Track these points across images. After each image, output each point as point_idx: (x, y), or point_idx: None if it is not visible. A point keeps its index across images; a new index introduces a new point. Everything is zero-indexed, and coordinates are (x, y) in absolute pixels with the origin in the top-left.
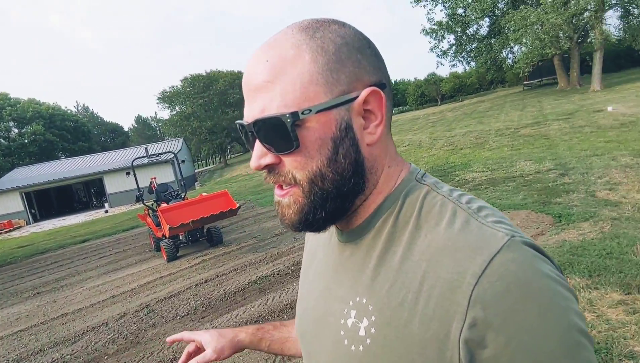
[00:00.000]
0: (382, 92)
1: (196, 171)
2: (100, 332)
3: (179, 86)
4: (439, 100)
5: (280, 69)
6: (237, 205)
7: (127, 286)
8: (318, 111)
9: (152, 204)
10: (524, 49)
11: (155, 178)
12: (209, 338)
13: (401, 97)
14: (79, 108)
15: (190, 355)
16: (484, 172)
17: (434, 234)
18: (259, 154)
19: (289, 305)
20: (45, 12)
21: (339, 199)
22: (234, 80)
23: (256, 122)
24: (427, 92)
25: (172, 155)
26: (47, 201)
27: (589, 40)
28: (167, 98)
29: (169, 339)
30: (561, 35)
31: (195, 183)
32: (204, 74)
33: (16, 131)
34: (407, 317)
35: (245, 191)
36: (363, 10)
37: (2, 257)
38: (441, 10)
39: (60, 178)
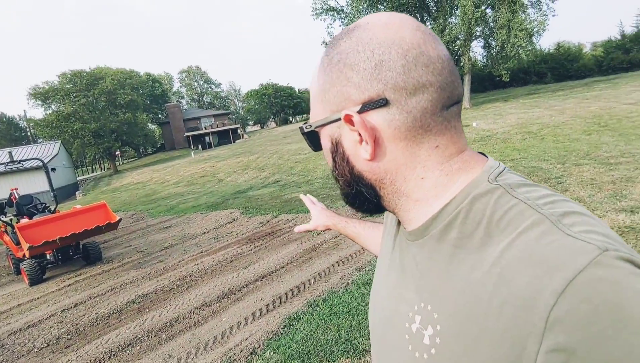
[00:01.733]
0: (353, 116)
1: (79, 178)
2: None
3: (56, 82)
4: None
5: (310, 86)
6: (117, 218)
7: None
8: (316, 127)
9: (12, 220)
10: None
11: (16, 189)
12: (316, 214)
13: (305, 105)
14: None
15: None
16: None
17: (508, 243)
18: None
19: (168, 323)
20: None
21: (355, 196)
22: (125, 79)
23: None
24: None
25: (39, 162)
26: None
27: (461, 64)
28: (41, 95)
29: (302, 196)
30: None
31: (77, 192)
32: (88, 70)
33: None
34: (475, 333)
35: (136, 200)
36: (271, 18)
37: None
38: (340, 25)
39: None
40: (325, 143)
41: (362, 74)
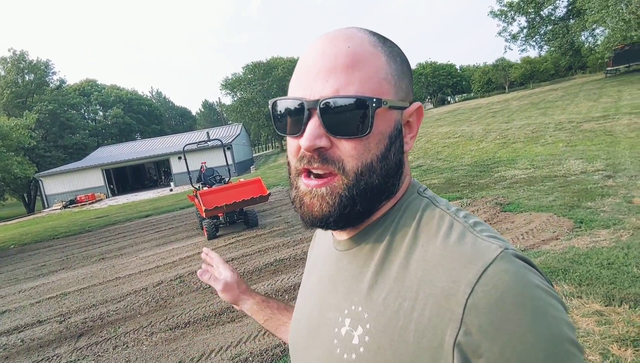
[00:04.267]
0: (422, 108)
1: (254, 155)
2: (139, 295)
3: (241, 73)
4: (506, 87)
5: (361, 58)
6: (268, 192)
7: (171, 258)
8: (390, 106)
9: (199, 187)
10: (606, 31)
11: (204, 163)
12: (229, 278)
13: (466, 84)
14: (153, 93)
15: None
16: (527, 169)
17: (431, 245)
18: (316, 134)
19: (292, 287)
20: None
21: (375, 197)
22: (294, 67)
23: (329, 101)
24: (494, 78)
25: (219, 142)
26: (123, 178)
27: None
28: (230, 85)
29: (205, 249)
30: None
31: (251, 167)
32: (264, 61)
33: (101, 113)
34: (402, 325)
35: None
36: None
37: (82, 225)
38: None
39: (134, 157)
40: (385, 126)
41: (412, 80)
